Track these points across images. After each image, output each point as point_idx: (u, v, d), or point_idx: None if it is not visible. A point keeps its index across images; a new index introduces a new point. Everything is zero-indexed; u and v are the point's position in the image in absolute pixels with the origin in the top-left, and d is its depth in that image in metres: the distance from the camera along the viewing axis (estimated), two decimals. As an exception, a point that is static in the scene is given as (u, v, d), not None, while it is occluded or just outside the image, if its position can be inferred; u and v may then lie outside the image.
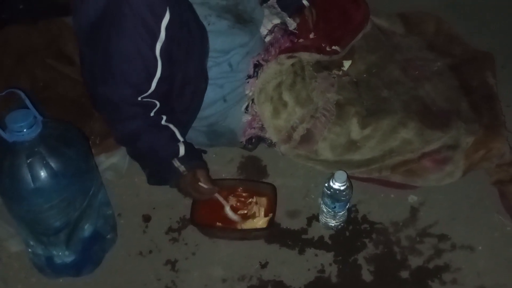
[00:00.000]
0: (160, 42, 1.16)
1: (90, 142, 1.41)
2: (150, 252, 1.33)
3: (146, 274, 1.29)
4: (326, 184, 1.27)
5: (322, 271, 1.29)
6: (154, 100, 1.23)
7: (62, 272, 1.27)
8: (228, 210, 1.31)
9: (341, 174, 1.25)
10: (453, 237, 1.34)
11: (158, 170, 1.28)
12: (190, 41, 1.23)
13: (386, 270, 1.29)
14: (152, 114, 1.23)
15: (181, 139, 1.27)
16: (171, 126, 1.26)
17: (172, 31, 1.16)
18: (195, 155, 1.30)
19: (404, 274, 1.28)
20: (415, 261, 1.30)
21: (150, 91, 1.21)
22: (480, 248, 1.32)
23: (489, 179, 1.42)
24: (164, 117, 1.25)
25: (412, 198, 1.41)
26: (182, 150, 1.25)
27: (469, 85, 1.48)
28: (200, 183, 1.26)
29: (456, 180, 1.38)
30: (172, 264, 1.31)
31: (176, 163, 1.25)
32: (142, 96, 1.21)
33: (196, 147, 1.44)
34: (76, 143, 1.19)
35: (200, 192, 1.27)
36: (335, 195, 1.26)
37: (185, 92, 1.29)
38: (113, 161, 1.44)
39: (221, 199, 1.30)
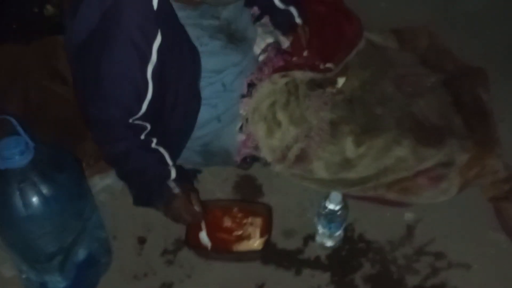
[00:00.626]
0: (152, 65, 1.14)
1: (84, 163, 1.38)
2: (145, 275, 1.30)
3: (141, 298, 1.27)
4: (322, 205, 1.25)
5: (319, 292, 1.27)
6: (144, 123, 1.20)
7: (57, 298, 1.24)
8: (203, 235, 1.27)
9: (336, 195, 1.22)
10: (449, 255, 1.32)
11: (148, 191, 1.25)
12: (182, 63, 1.21)
13: (383, 290, 1.27)
14: (142, 136, 1.21)
15: (170, 163, 1.24)
16: (161, 149, 1.24)
17: (164, 54, 1.14)
18: (186, 178, 1.28)
19: (402, 293, 1.27)
20: (412, 280, 1.28)
21: (140, 113, 1.19)
22: (475, 266, 1.30)
23: (484, 196, 1.40)
24: (155, 140, 1.23)
25: (408, 216, 1.39)
26: (173, 173, 1.23)
27: (462, 101, 1.46)
28: (193, 205, 1.23)
29: (451, 198, 1.36)
30: (167, 287, 1.28)
31: (171, 183, 1.23)
32: (133, 118, 1.19)
33: (191, 166, 1.43)
34: (68, 167, 1.16)
35: (192, 215, 1.24)
36: (330, 216, 1.24)
37: (177, 113, 1.26)
38: (107, 183, 1.41)
39: (202, 223, 1.27)
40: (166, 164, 1.24)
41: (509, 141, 1.45)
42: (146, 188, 1.26)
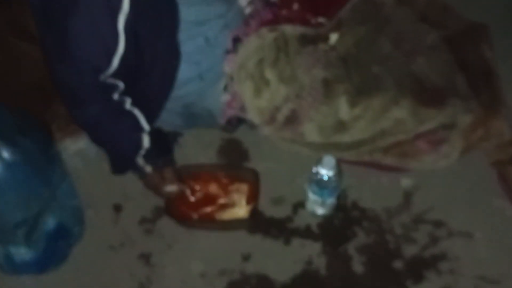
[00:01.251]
0: (124, 15, 1.00)
1: (54, 125, 1.26)
2: (122, 245, 1.19)
3: (117, 269, 1.15)
4: (313, 171, 1.13)
5: (309, 263, 1.16)
6: (116, 81, 1.07)
7: (23, 269, 1.12)
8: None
9: (329, 160, 1.10)
10: (450, 224, 1.21)
11: (122, 161, 1.15)
12: (158, 14, 1.07)
13: (378, 260, 1.16)
14: (114, 97, 1.08)
15: (146, 127, 1.12)
16: (136, 111, 1.11)
17: (138, 4, 1.01)
18: (162, 148, 1.17)
19: (398, 264, 1.16)
20: (409, 250, 1.18)
21: (112, 70, 1.05)
22: (478, 234, 1.19)
23: (487, 160, 1.28)
24: (129, 101, 1.10)
25: (405, 182, 1.27)
26: (146, 142, 1.12)
27: (465, 59, 1.33)
28: (166, 186, 1.14)
29: (452, 162, 1.24)
30: (146, 258, 1.17)
31: (141, 161, 1.13)
32: (103, 76, 1.05)
33: (171, 129, 1.30)
34: (33, 132, 1.05)
35: (164, 195, 1.15)
36: (322, 182, 1.12)
37: (155, 70, 1.13)
38: (80, 146, 1.28)
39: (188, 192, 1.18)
40: (140, 130, 1.12)
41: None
42: (121, 158, 1.16)
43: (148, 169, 1.13)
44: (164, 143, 1.21)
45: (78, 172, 1.24)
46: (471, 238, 1.19)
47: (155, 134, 1.15)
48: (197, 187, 1.19)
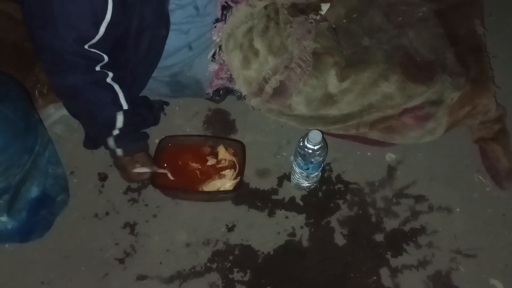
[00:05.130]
0: None
1: (36, 91, 1.17)
2: (107, 214, 1.14)
3: (102, 238, 1.11)
4: (299, 144, 1.08)
5: (292, 234, 1.13)
6: (101, 53, 0.99)
7: (6, 239, 1.06)
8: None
9: (315, 134, 1.05)
10: (431, 198, 1.18)
11: (95, 136, 1.09)
12: None
13: (360, 233, 1.14)
14: (97, 68, 0.99)
15: (124, 105, 1.04)
16: (116, 87, 1.03)
17: None
18: (136, 132, 1.09)
19: (379, 237, 1.13)
20: (390, 224, 1.15)
21: (97, 38, 0.96)
22: (458, 209, 1.17)
23: (471, 136, 1.25)
24: (111, 74, 1.02)
25: (390, 157, 1.23)
26: (120, 121, 1.04)
27: (456, 34, 1.26)
28: (134, 170, 1.08)
29: (437, 138, 1.20)
30: (131, 227, 1.12)
31: (111, 143, 1.05)
32: (89, 44, 0.97)
33: (157, 98, 1.23)
34: (12, 98, 0.97)
35: (132, 180, 1.11)
36: (308, 156, 1.07)
37: (142, 40, 1.04)
38: (63, 113, 1.19)
39: (161, 171, 1.11)
40: (118, 106, 1.04)
41: (501, 79, 1.28)
42: (93, 132, 1.09)
43: (119, 152, 1.06)
44: (139, 127, 1.13)
45: (62, 140, 1.17)
46: (450, 213, 1.16)
47: (132, 117, 1.06)
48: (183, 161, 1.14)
